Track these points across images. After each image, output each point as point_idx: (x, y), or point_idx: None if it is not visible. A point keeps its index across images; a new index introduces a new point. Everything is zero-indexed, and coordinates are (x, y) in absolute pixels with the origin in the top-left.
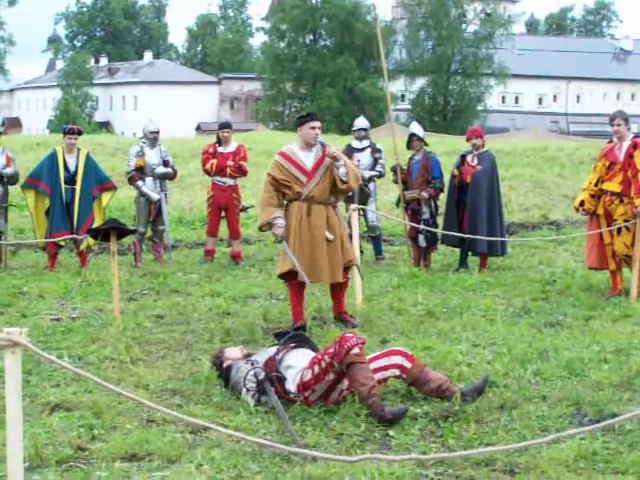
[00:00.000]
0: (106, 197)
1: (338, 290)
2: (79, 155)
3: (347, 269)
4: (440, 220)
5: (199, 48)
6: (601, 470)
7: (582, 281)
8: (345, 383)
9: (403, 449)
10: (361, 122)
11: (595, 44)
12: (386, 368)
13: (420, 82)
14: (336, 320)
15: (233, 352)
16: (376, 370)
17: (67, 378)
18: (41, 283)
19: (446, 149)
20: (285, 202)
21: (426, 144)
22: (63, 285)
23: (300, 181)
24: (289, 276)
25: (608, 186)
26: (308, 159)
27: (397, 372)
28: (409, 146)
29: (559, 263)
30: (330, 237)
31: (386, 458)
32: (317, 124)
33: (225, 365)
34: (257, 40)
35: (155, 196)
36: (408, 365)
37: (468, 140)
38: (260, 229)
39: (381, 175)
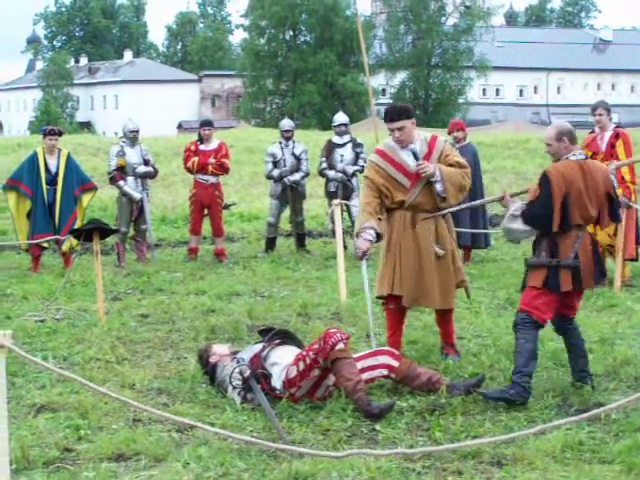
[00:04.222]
0: (86, 198)
1: (444, 315)
2: (60, 156)
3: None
4: None
5: (179, 46)
6: (588, 460)
7: None
8: (331, 379)
9: (390, 443)
10: (341, 117)
11: (575, 35)
12: (373, 368)
13: (401, 76)
14: (441, 351)
15: (221, 348)
16: (363, 370)
17: (52, 379)
18: (25, 285)
19: None
20: (385, 210)
21: None
22: (47, 286)
23: (402, 185)
24: (386, 299)
25: None
26: (411, 158)
27: (385, 372)
28: None
29: None
30: (440, 252)
31: (373, 453)
32: (395, 125)
33: (211, 361)
34: (237, 37)
35: (137, 195)
36: (395, 364)
37: (450, 133)
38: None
39: (363, 170)
